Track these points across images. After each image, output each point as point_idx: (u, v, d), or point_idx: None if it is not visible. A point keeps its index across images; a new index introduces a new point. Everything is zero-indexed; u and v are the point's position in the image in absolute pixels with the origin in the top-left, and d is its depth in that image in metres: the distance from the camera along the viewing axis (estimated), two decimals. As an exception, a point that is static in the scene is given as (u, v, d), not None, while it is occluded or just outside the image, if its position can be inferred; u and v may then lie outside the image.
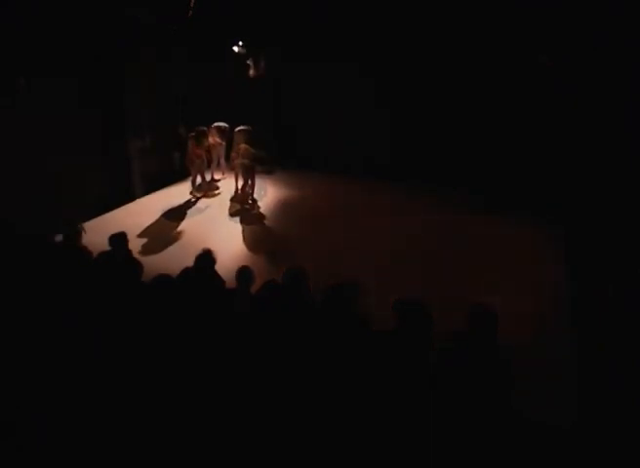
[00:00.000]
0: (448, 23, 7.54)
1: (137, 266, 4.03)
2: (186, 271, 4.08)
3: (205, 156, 8.87)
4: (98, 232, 6.78)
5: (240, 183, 8.72)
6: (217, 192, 9.29)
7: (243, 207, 8.48)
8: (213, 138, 9.19)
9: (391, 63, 9.00)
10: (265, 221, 7.90)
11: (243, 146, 8.27)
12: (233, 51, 9.21)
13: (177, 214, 8.15)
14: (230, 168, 9.76)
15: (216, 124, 9.23)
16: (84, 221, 7.35)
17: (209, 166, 9.45)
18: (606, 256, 5.14)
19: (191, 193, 9.03)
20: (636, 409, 3.22)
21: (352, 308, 3.10)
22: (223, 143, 9.51)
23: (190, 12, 7.63)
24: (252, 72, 9.36)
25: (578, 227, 6.72)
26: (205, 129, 8.67)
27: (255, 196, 8.76)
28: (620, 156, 5.57)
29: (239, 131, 8.69)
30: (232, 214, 8.19)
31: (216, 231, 7.45)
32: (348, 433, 2.67)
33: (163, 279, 3.39)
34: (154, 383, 2.81)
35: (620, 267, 4.67)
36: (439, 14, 7.49)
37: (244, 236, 7.30)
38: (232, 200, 8.84)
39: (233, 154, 9.28)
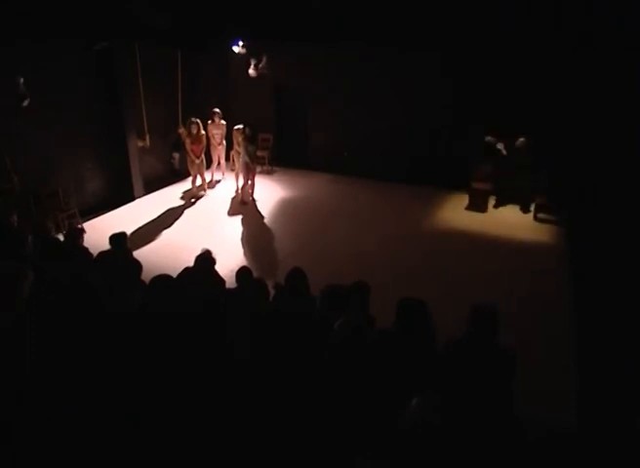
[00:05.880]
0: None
1: (136, 266, 4.03)
2: (187, 271, 4.09)
3: (204, 157, 8.87)
4: (98, 232, 6.81)
5: (240, 183, 8.73)
6: (215, 192, 9.30)
7: (243, 207, 8.49)
8: (218, 125, 9.23)
9: (389, 63, 9.01)
10: (265, 221, 7.90)
11: (243, 145, 8.27)
12: (233, 51, 9.22)
13: (176, 213, 8.16)
14: (230, 168, 9.77)
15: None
16: (84, 221, 7.39)
17: (209, 166, 9.46)
18: (607, 256, 5.13)
19: (191, 193, 9.05)
20: (636, 410, 3.21)
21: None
22: (223, 144, 9.52)
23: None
24: (251, 72, 9.37)
25: (578, 227, 6.72)
26: (194, 119, 8.61)
27: (255, 196, 8.77)
28: (623, 155, 5.56)
29: (238, 129, 8.70)
30: (232, 214, 8.19)
31: (216, 231, 7.46)
32: (349, 432, 2.67)
33: (163, 279, 3.38)
34: (153, 385, 2.81)
35: (621, 267, 4.67)
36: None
37: (244, 236, 7.30)
38: (232, 200, 8.85)
39: (233, 153, 9.30)
